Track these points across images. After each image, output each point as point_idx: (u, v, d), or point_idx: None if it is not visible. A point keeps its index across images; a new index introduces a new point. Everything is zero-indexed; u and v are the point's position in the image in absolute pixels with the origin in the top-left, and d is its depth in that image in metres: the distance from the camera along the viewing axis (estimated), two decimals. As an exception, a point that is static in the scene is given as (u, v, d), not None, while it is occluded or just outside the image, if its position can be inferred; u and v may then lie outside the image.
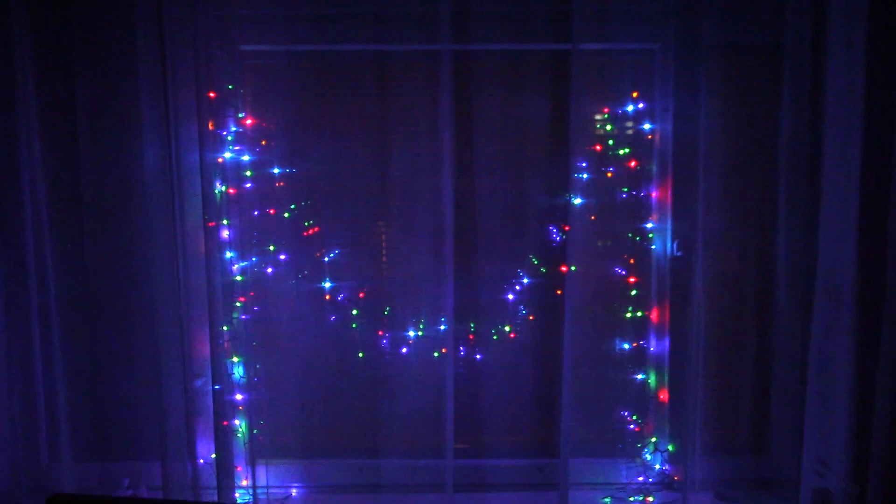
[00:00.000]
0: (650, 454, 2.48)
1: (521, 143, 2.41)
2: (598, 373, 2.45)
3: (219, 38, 2.24)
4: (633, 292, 2.45)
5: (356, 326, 2.46)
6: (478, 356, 2.46)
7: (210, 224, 2.24)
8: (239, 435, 2.41)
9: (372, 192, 2.45)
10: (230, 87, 2.31)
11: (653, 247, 2.44)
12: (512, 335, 2.46)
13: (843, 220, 2.17)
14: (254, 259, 2.40)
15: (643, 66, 2.41)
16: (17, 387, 2.32)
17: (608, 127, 2.43)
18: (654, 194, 2.43)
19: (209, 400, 2.32)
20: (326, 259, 2.46)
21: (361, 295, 2.47)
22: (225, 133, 2.32)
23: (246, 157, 2.36)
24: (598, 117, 2.43)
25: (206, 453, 2.37)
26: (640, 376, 2.47)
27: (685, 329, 2.31)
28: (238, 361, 2.38)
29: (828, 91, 2.17)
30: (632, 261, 2.45)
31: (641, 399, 2.48)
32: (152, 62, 2.18)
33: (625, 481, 2.46)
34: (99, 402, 2.42)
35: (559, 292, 2.33)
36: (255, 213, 2.38)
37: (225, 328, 2.31)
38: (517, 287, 2.44)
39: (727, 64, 2.34)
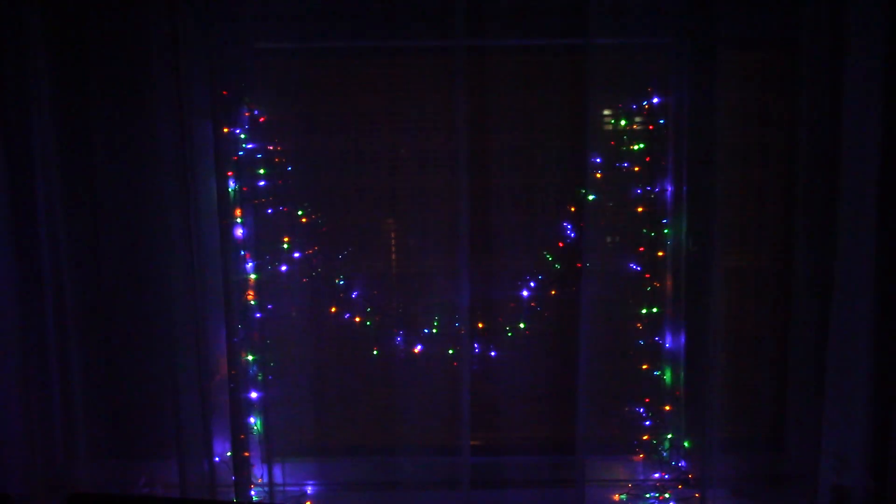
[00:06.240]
0: (666, 451, 2.46)
1: (535, 139, 2.40)
2: (613, 369, 2.44)
3: (232, 37, 2.24)
4: (649, 288, 2.43)
5: (370, 324, 2.46)
6: (493, 353, 2.45)
7: (224, 222, 2.24)
8: (254, 432, 2.41)
9: (386, 190, 2.45)
10: (243, 85, 2.30)
11: (668, 242, 2.42)
12: (527, 332, 2.45)
13: (861, 215, 2.15)
14: (267, 257, 2.39)
15: (658, 60, 2.39)
16: (33, 385, 2.32)
17: (623, 122, 2.41)
18: (669, 189, 2.41)
19: (224, 397, 2.32)
20: (340, 256, 2.45)
21: (375, 292, 2.46)
22: (238, 131, 2.32)
23: (259, 155, 2.36)
24: (613, 112, 2.42)
25: (222, 451, 2.38)
26: (655, 372, 2.45)
27: (701, 325, 2.30)
28: (253, 359, 2.38)
29: (846, 85, 2.15)
30: (647, 256, 2.43)
31: (657, 395, 2.47)
32: (166, 60, 2.19)
33: (641, 478, 2.46)
34: (115, 401, 2.42)
35: (574, 289, 2.33)
36: (269, 210, 2.38)
37: (239, 326, 2.31)
38: (532, 283, 2.43)
39: (743, 58, 2.33)
